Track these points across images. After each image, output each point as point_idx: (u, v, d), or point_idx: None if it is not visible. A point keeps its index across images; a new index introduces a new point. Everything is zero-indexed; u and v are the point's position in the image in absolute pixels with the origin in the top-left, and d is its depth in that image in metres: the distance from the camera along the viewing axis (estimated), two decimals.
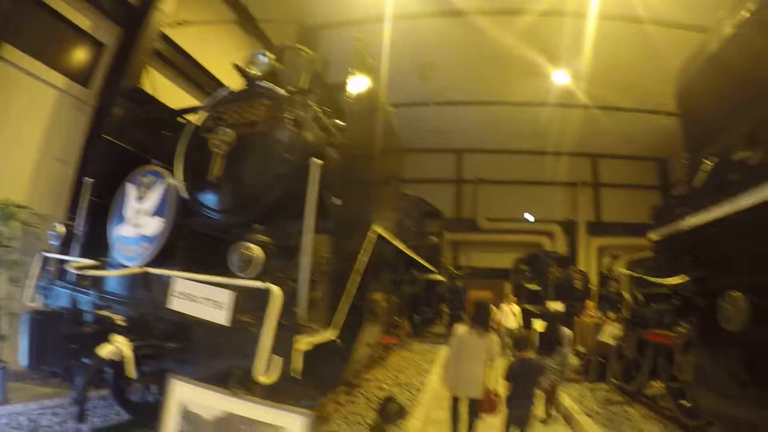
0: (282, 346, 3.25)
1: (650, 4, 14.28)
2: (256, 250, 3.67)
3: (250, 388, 3.15)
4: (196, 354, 3.73)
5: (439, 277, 15.26)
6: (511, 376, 5.44)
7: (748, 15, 4.43)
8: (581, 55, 17.06)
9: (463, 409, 5.83)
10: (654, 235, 6.93)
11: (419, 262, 11.21)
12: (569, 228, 25.23)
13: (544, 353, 7.53)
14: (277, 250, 3.91)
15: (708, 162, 4.95)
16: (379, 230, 5.45)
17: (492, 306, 7.68)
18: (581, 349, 11.06)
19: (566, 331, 7.93)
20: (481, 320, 5.90)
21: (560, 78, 18.95)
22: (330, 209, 4.38)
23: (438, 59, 18.19)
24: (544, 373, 5.87)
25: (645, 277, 7.28)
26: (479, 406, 5.64)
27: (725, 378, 4.35)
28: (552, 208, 26.12)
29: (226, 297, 3.40)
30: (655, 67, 15.43)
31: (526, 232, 25.95)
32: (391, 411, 5.82)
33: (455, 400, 5.87)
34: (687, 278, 5.35)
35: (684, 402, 6.32)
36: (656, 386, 7.78)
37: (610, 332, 8.84)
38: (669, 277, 6.07)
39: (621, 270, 8.15)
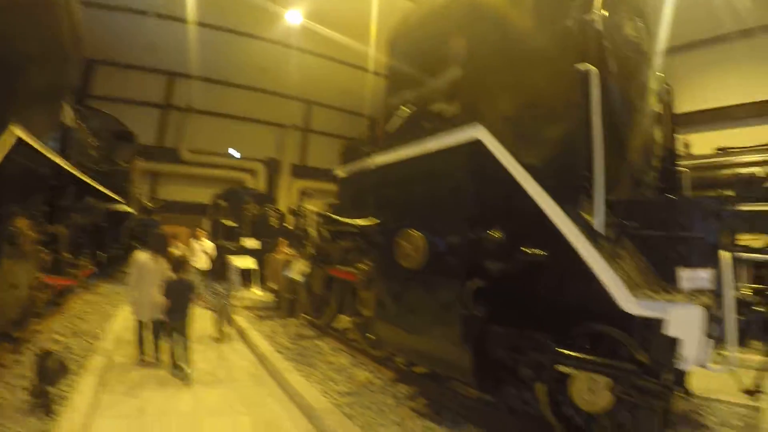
0: None
1: None
2: None
3: None
4: None
5: (128, 209, 13.78)
6: (167, 293, 6.24)
7: None
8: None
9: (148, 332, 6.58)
10: (340, 172, 7.04)
11: (100, 190, 9.62)
12: (273, 167, 25.34)
13: (214, 280, 8.65)
14: None
15: (405, 109, 5.06)
16: (22, 134, 4.19)
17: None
18: (273, 285, 11.11)
19: (232, 262, 9.61)
20: (159, 247, 6.77)
21: (293, 18, 18.48)
22: None
23: None
24: (195, 290, 6.58)
25: (331, 215, 7.43)
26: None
27: (402, 311, 4.56)
28: (259, 146, 25.70)
29: None
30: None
31: (229, 167, 25.07)
32: (50, 368, 4.57)
33: (140, 324, 6.55)
34: (371, 220, 5.49)
35: (369, 335, 6.68)
36: (345, 320, 8.14)
37: (298, 268, 8.97)
38: (352, 213, 6.24)
39: (308, 207, 8.25)
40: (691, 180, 10.80)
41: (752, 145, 11.31)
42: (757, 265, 10.08)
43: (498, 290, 3.71)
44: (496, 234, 3.59)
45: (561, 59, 3.37)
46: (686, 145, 12.97)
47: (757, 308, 3.50)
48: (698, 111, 18.16)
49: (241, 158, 25.81)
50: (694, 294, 2.97)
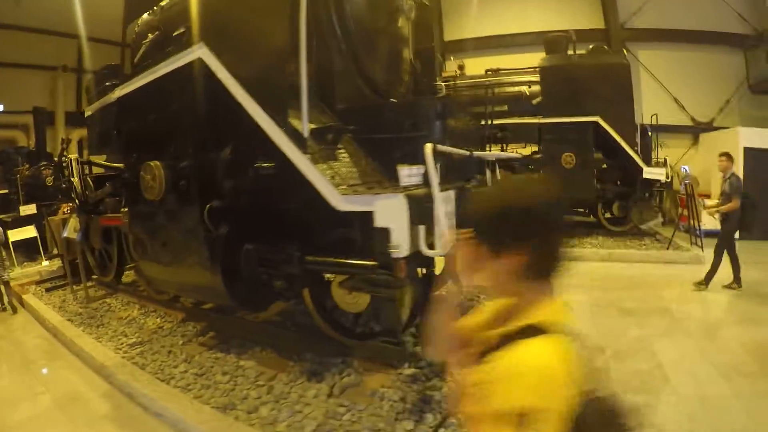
0: None
1: None
2: None
3: None
4: None
5: None
6: None
7: None
8: None
9: None
10: (88, 110, 6.39)
11: None
12: (44, 119, 21.70)
13: None
14: None
15: (150, 36, 4.66)
16: None
17: None
18: (57, 251, 9.99)
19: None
20: None
21: None
22: None
23: None
24: None
25: (91, 160, 6.76)
26: None
27: (158, 246, 4.35)
28: (28, 96, 21.92)
29: None
30: None
31: None
32: None
33: None
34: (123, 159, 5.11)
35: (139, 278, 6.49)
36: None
37: (73, 226, 8.14)
38: (105, 152, 5.76)
39: (70, 155, 7.42)
40: (468, 97, 11.69)
41: (521, 67, 12.52)
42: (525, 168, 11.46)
43: (240, 208, 3.68)
44: (226, 152, 3.50)
45: None
46: (461, 67, 14.15)
47: None
48: (480, 37, 19.61)
49: (5, 112, 21.96)
50: (413, 188, 3.11)
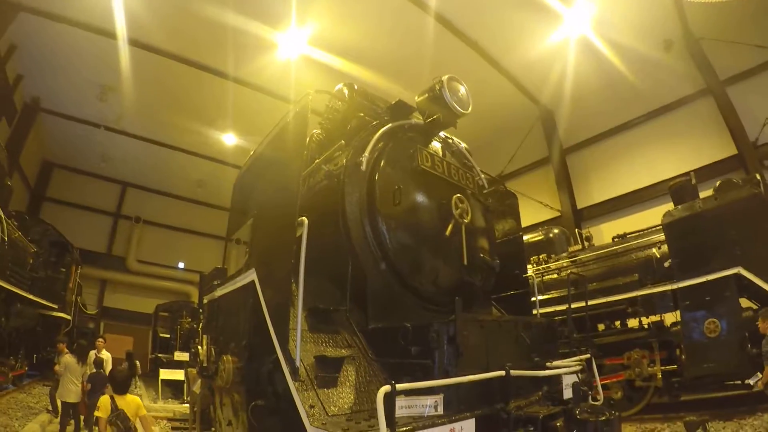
0: None
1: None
2: None
3: None
4: None
5: (63, 315, 14.65)
6: (89, 381, 9.58)
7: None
8: (245, 122, 18.77)
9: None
10: (205, 299, 7.81)
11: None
12: (207, 282, 24.41)
13: None
14: None
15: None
16: None
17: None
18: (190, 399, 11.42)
19: (137, 364, 12.62)
20: (81, 355, 10.12)
21: (229, 140, 20.88)
22: None
23: (122, 85, 17.50)
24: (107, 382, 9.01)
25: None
26: (79, 408, 9.65)
27: (225, 422, 5.11)
28: (204, 259, 25.95)
29: None
30: None
31: (175, 279, 25.59)
32: None
33: (65, 405, 9.53)
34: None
35: None
36: None
37: (199, 383, 9.41)
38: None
39: (197, 327, 8.90)
40: (595, 270, 10.92)
41: (646, 228, 11.69)
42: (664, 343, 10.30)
43: (281, 407, 4.01)
44: (267, 361, 4.11)
45: (291, 213, 3.85)
46: (588, 238, 13.38)
47: None
48: (608, 200, 18.56)
49: (184, 270, 26.21)
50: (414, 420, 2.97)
